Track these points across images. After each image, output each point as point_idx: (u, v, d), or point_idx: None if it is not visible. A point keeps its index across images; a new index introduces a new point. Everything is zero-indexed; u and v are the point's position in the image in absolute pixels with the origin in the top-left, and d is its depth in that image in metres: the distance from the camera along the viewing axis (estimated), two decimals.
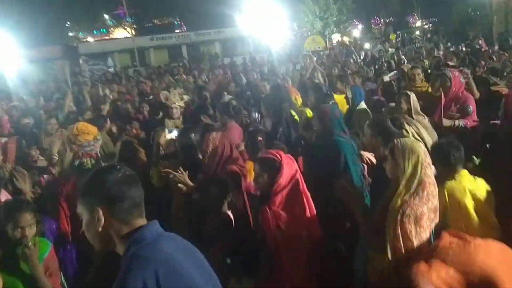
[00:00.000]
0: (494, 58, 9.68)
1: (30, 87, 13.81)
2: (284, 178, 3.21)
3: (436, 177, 3.18)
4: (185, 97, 8.50)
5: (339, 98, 6.84)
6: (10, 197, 3.93)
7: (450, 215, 3.21)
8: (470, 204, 3.20)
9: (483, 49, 12.78)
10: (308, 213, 3.27)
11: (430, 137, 4.37)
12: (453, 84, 5.47)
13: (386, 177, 3.03)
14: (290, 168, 3.26)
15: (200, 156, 4.24)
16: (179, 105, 7.20)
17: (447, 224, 3.16)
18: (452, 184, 3.26)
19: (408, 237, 2.68)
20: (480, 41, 15.54)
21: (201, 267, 1.94)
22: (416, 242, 2.68)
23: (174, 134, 4.97)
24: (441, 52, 13.17)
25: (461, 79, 5.58)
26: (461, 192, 3.23)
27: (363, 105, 6.29)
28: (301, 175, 3.34)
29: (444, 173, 3.34)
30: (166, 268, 1.73)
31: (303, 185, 3.31)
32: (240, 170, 4.05)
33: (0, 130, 7.24)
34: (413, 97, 5.02)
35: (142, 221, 1.88)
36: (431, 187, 2.79)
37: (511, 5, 23.82)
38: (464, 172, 3.36)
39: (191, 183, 3.95)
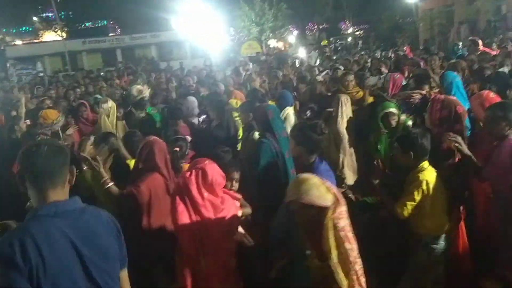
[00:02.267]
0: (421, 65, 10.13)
1: None
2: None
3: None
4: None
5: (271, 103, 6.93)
6: None
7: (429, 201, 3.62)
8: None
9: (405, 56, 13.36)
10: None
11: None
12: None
13: None
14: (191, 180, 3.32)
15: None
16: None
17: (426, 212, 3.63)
18: (428, 172, 3.65)
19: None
20: (404, 48, 16.27)
21: (95, 250, 2.16)
22: None
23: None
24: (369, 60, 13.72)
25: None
26: (435, 180, 3.65)
27: (288, 109, 6.28)
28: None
29: (416, 162, 3.67)
30: (28, 245, 1.96)
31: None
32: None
33: None
34: (343, 99, 5.20)
35: (54, 195, 2.14)
36: None
37: (435, 13, 25.24)
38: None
39: (105, 174, 3.98)
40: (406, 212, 3.65)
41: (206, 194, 3.27)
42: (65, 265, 2.07)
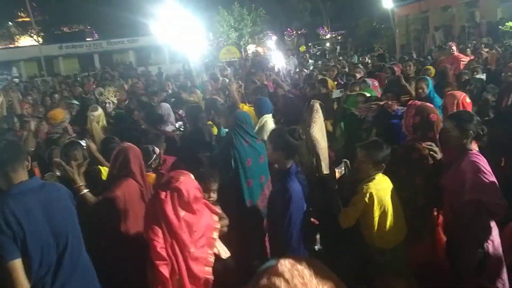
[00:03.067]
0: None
1: None
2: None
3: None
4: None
5: (249, 109, 6.93)
6: None
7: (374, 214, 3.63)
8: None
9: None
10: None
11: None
12: None
13: None
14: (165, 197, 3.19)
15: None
16: (112, 101, 8.29)
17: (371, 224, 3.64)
18: (375, 185, 3.67)
19: None
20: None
21: (52, 219, 2.89)
22: None
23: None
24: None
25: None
26: (382, 193, 3.66)
27: (266, 117, 6.20)
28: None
29: (371, 172, 3.71)
30: (8, 215, 2.69)
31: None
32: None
33: None
34: (316, 105, 5.25)
35: (18, 176, 2.89)
36: None
37: (411, 19, 25.64)
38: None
39: (79, 181, 3.89)
40: (347, 223, 3.70)
41: (182, 213, 3.13)
42: (38, 228, 2.81)
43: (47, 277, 2.85)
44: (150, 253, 3.10)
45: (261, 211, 4.49)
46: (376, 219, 3.65)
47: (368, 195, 3.61)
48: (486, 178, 3.52)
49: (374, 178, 3.70)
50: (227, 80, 10.19)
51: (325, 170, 5.01)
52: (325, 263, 1.42)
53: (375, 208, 3.62)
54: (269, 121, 6.21)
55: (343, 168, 4.01)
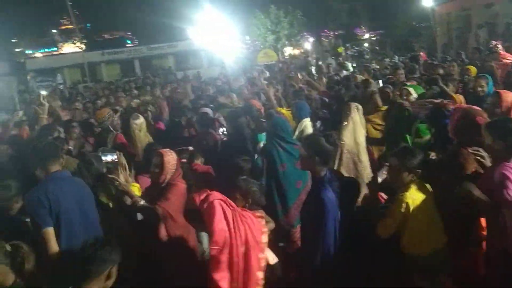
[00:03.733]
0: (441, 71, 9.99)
1: None
2: (209, 221, 3.27)
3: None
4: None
5: (287, 113, 6.93)
6: None
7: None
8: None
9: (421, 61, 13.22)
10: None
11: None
12: None
13: None
14: (208, 210, 3.31)
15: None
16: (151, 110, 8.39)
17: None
18: (411, 194, 3.56)
19: None
20: (421, 53, 16.11)
21: (80, 205, 3.69)
22: None
23: (109, 157, 4.91)
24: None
25: None
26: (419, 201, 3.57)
27: (305, 121, 6.14)
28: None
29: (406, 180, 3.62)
30: (48, 193, 3.48)
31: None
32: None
33: None
34: (353, 106, 5.20)
35: (54, 168, 3.71)
36: None
37: (453, 17, 24.97)
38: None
39: (135, 194, 4.02)
40: (385, 233, 3.63)
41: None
42: (70, 207, 3.59)
43: (74, 246, 3.36)
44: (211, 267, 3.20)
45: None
46: (411, 227, 3.57)
47: (404, 205, 3.52)
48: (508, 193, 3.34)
49: (410, 187, 3.60)
50: (265, 84, 10.23)
51: (363, 175, 4.95)
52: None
53: (410, 216, 3.54)
54: (308, 125, 6.18)
55: (385, 173, 3.94)
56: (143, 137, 7.04)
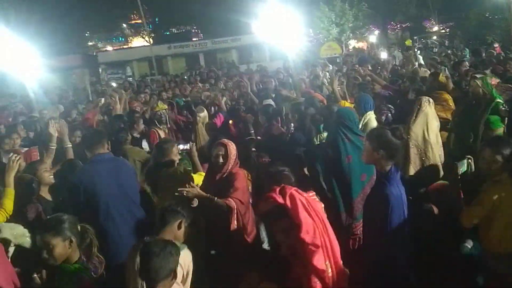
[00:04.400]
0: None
1: (50, 96, 14.08)
2: (294, 213, 3.27)
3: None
4: None
5: (350, 106, 6.82)
6: None
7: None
8: None
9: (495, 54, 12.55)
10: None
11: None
12: None
13: None
14: (291, 201, 3.31)
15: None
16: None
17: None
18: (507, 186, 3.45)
19: None
20: (495, 46, 15.28)
21: (117, 180, 4.30)
22: None
23: (181, 146, 5.16)
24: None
25: None
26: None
27: (369, 114, 6.07)
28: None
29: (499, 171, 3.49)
30: (86, 174, 4.27)
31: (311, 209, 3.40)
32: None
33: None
34: (424, 100, 5.03)
35: (98, 151, 4.40)
36: None
37: None
38: None
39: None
40: (469, 222, 3.53)
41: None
42: (104, 187, 4.18)
43: (109, 224, 4.13)
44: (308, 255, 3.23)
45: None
46: (497, 222, 3.44)
47: (497, 195, 3.40)
48: None
49: (503, 178, 3.46)
50: (328, 77, 10.14)
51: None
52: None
53: (499, 210, 3.41)
54: (372, 118, 6.07)
55: (465, 165, 3.79)
56: (205, 129, 7.22)
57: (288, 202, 3.28)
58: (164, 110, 7.65)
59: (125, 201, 4.29)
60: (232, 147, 4.41)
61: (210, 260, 4.21)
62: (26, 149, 6.31)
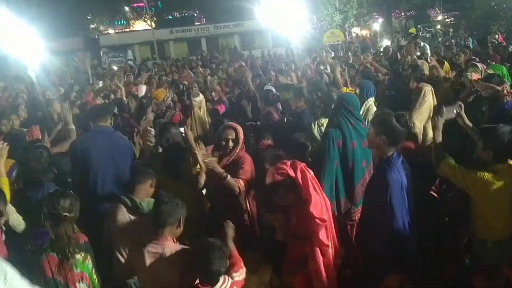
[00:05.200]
0: None
1: (51, 78, 14.04)
2: (305, 187, 3.34)
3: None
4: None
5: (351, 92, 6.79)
6: None
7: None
8: None
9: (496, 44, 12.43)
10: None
11: None
12: None
13: None
14: (302, 175, 3.39)
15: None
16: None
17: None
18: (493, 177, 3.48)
19: None
20: (497, 36, 15.13)
21: (110, 151, 4.73)
22: None
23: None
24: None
25: None
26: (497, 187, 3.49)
27: (370, 100, 6.09)
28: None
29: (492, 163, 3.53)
30: (83, 142, 4.83)
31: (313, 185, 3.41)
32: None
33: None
34: (426, 89, 5.01)
35: (102, 123, 4.88)
36: None
37: None
38: None
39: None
40: (442, 171, 3.62)
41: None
42: (99, 154, 4.66)
43: (98, 186, 4.59)
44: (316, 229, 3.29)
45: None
46: (485, 211, 3.49)
47: (471, 180, 3.48)
48: None
49: (495, 168, 3.50)
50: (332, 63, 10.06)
51: None
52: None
53: (486, 197, 3.45)
54: (373, 105, 6.07)
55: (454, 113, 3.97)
56: (201, 114, 7.19)
57: (299, 176, 3.31)
58: (167, 98, 7.64)
59: (114, 170, 4.67)
60: (241, 131, 4.49)
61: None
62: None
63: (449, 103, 5.08)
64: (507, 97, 4.92)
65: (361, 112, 5.54)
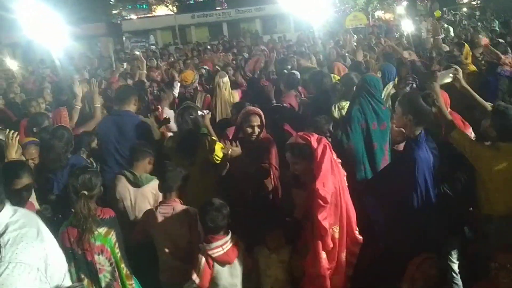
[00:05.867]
0: None
1: (76, 63, 14.25)
2: (320, 162, 3.30)
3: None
4: None
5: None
6: None
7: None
8: None
9: None
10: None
11: None
12: None
13: None
14: (322, 151, 3.35)
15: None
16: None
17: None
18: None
19: None
20: None
21: (123, 133, 5.10)
22: None
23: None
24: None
25: None
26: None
27: (391, 85, 6.11)
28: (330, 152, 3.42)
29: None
30: (102, 125, 5.37)
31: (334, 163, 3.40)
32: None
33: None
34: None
35: (123, 108, 5.28)
36: None
37: None
38: None
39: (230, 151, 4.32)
40: (455, 137, 3.60)
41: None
42: (107, 133, 5.15)
43: (110, 161, 5.02)
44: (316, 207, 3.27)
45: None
46: (488, 183, 3.50)
47: (477, 150, 3.52)
48: None
49: (498, 145, 3.51)
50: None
51: None
52: None
53: (489, 172, 3.46)
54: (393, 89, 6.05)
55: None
56: (227, 95, 7.20)
57: (319, 150, 3.30)
58: (195, 80, 7.71)
59: (126, 151, 4.89)
60: (263, 115, 4.53)
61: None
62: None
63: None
64: (506, 66, 5.31)
65: (382, 96, 5.49)
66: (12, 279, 1.71)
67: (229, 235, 3.51)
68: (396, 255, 3.54)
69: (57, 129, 4.95)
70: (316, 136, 3.43)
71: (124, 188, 4.27)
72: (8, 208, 1.87)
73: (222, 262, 3.45)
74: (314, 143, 3.34)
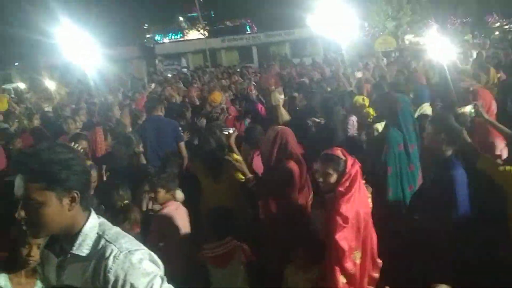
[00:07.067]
0: None
1: (109, 84, 14.70)
2: (350, 185, 3.29)
3: None
4: None
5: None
6: None
7: None
8: None
9: None
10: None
11: None
12: None
13: None
14: (354, 173, 3.33)
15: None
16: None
17: None
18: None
19: None
20: None
21: (159, 131, 6.17)
22: None
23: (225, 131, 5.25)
24: None
25: None
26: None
27: (425, 106, 6.09)
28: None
29: None
30: (141, 128, 6.46)
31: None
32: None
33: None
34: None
35: (154, 112, 6.45)
36: None
37: None
38: None
39: (248, 172, 4.28)
40: (480, 166, 3.56)
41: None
42: (148, 137, 5.97)
43: (152, 156, 5.82)
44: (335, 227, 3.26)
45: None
46: None
47: (509, 178, 3.39)
48: None
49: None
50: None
51: None
52: None
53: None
54: (428, 110, 6.08)
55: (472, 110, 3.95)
56: (284, 113, 7.20)
57: (352, 171, 3.30)
58: (223, 101, 7.90)
59: (158, 147, 5.97)
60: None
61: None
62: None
63: None
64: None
65: (415, 116, 5.51)
66: (140, 264, 1.84)
67: (223, 241, 3.78)
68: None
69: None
70: (352, 158, 3.44)
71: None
72: (93, 212, 2.02)
73: (213, 264, 3.81)
74: (350, 162, 3.35)
